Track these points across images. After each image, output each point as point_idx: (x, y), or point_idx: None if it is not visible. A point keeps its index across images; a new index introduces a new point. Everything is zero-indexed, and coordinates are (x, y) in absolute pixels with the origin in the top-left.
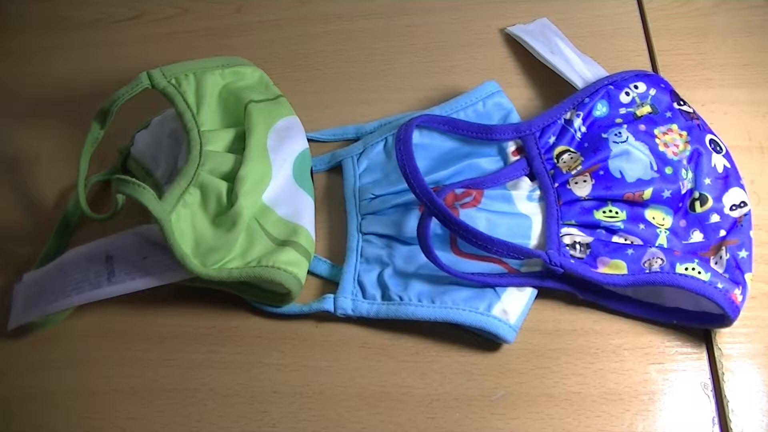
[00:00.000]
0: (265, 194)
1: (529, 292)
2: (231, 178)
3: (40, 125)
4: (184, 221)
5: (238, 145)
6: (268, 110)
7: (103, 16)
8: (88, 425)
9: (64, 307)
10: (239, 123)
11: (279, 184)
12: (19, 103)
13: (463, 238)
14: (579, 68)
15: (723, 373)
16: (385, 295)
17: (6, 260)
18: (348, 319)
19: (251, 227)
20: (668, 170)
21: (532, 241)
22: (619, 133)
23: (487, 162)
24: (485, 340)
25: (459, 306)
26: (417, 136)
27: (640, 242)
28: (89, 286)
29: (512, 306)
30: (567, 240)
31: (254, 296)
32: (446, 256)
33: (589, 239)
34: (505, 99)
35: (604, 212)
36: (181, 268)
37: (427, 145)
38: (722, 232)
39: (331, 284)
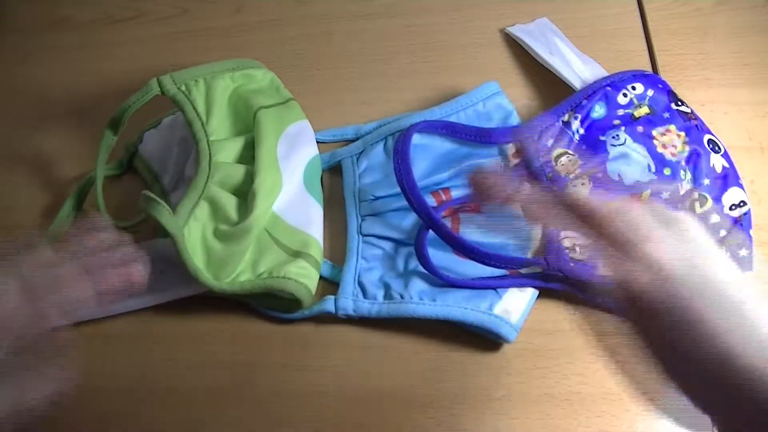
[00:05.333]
0: (276, 204)
1: (530, 292)
2: (241, 189)
3: (40, 125)
4: (195, 235)
5: (248, 153)
6: (279, 116)
7: (103, 16)
8: (88, 425)
9: (84, 318)
10: (249, 128)
11: (289, 192)
12: (19, 103)
13: (461, 252)
14: (578, 69)
15: None
16: (386, 294)
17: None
18: (349, 320)
19: (261, 238)
20: (667, 171)
21: (532, 244)
22: (617, 135)
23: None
24: (485, 340)
25: (460, 304)
26: (417, 137)
27: None
28: None
29: (513, 305)
30: (567, 243)
31: (266, 305)
32: (448, 257)
33: None
34: (505, 99)
35: None
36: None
37: (426, 146)
38: (722, 233)
39: (331, 284)
